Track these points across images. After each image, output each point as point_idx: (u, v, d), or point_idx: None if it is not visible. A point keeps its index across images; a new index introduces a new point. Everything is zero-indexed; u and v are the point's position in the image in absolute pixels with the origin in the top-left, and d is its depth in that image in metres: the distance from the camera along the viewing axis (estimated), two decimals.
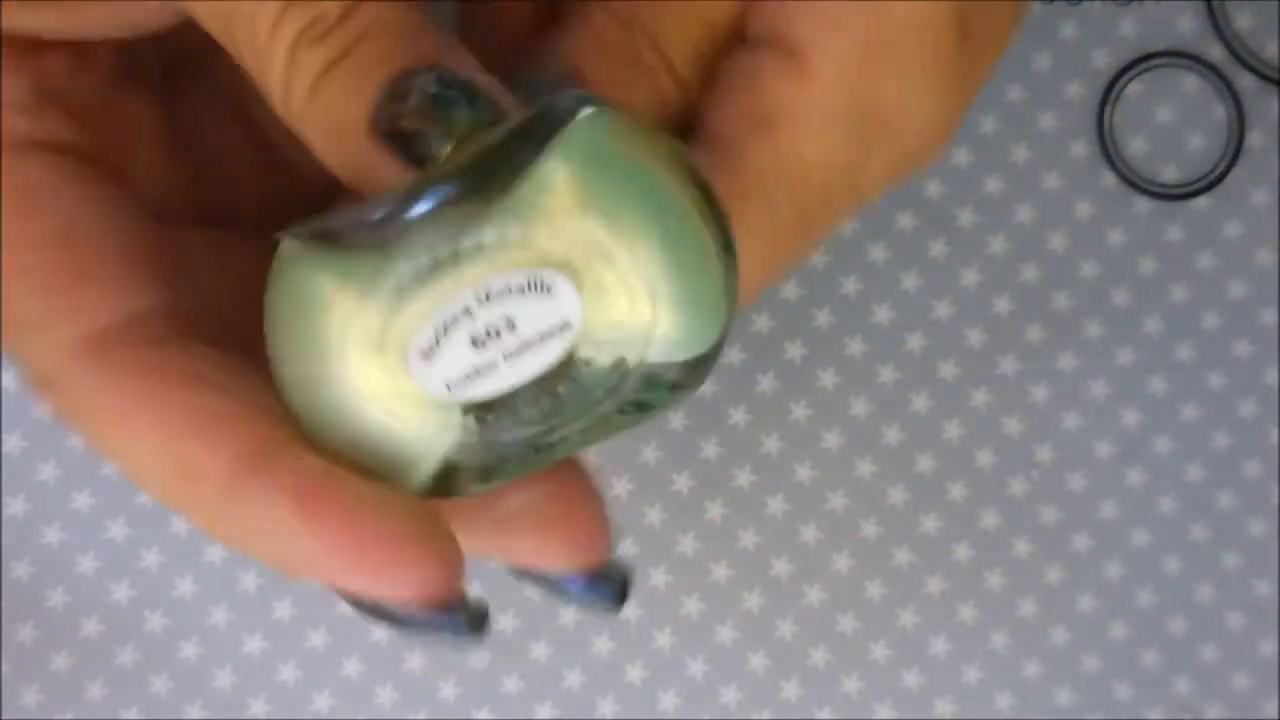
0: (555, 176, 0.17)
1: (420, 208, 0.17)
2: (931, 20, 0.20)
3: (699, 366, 0.19)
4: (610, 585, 0.20)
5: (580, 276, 0.17)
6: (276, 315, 0.18)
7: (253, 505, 0.17)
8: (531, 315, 0.18)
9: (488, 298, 0.17)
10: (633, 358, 0.18)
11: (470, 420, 0.18)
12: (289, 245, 0.18)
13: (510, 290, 0.17)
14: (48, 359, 0.18)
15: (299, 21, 0.17)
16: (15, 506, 0.32)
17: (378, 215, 0.17)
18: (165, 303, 0.19)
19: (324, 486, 0.17)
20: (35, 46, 0.19)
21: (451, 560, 0.17)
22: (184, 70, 0.23)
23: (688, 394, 0.19)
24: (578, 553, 0.19)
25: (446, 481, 0.19)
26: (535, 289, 0.17)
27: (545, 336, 0.18)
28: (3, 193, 0.18)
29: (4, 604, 0.32)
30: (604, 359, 0.18)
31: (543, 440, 0.19)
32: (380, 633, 0.33)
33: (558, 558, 0.19)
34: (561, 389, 0.18)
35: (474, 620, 0.18)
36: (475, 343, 0.17)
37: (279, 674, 0.33)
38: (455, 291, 0.17)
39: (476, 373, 0.18)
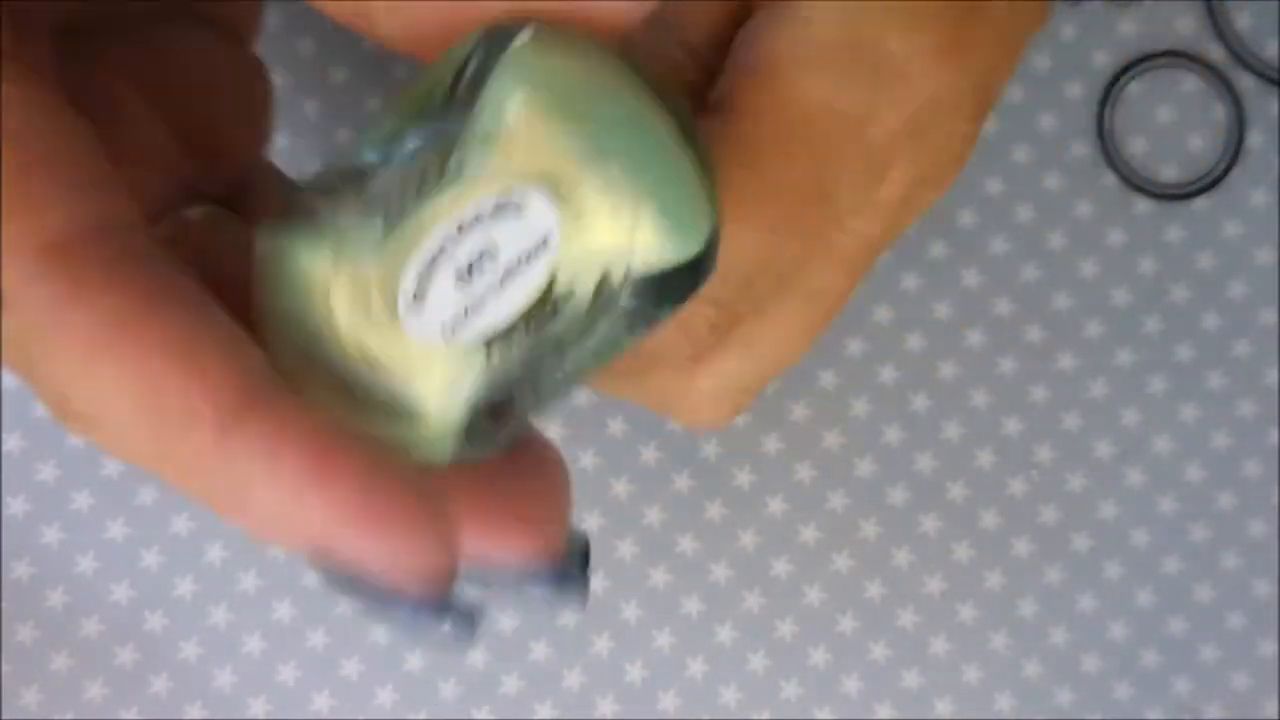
0: (507, 100, 0.17)
1: (377, 159, 0.17)
2: None
3: (691, 271, 0.19)
4: (571, 574, 0.19)
5: (551, 190, 0.18)
6: (267, 304, 0.18)
7: (249, 456, 0.15)
8: (510, 238, 0.17)
9: (461, 230, 0.17)
10: (618, 271, 0.18)
11: (477, 357, 0.18)
12: (268, 235, 0.17)
13: (483, 217, 0.17)
14: None
15: None
16: (15, 506, 0.32)
17: (340, 178, 0.17)
18: (135, 219, 0.16)
19: (337, 439, 0.16)
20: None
21: (452, 540, 0.16)
22: (80, 47, 0.20)
23: (685, 302, 0.19)
24: (529, 533, 0.18)
25: (473, 429, 0.18)
26: (508, 210, 0.17)
27: (528, 258, 0.17)
28: None
29: (4, 604, 0.32)
30: (590, 274, 0.18)
31: (556, 367, 0.19)
32: (380, 633, 0.33)
33: (511, 538, 0.18)
34: (554, 310, 0.18)
35: (459, 617, 0.17)
36: (460, 278, 0.17)
37: (279, 674, 0.33)
38: (430, 229, 0.17)
39: (468, 311, 0.18)
